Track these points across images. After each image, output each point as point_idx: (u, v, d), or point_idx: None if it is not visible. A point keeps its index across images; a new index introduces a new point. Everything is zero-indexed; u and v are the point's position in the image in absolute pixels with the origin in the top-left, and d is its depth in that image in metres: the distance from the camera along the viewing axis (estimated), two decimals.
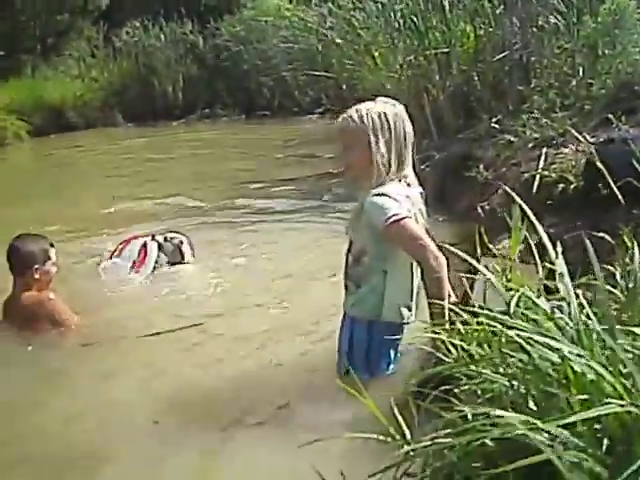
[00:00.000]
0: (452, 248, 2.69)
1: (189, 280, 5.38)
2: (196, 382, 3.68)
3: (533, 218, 2.03)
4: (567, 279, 1.80)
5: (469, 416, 1.60)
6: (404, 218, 3.22)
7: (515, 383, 1.64)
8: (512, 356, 1.66)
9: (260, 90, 15.54)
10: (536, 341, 1.55)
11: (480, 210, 5.51)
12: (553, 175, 4.90)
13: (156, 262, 5.48)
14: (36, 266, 4.23)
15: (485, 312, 1.96)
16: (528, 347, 1.58)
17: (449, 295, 3.17)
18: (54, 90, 15.64)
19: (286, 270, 5.28)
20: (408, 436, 1.74)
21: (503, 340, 1.83)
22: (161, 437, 3.15)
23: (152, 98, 16.32)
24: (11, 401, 3.59)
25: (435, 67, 7.30)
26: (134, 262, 5.41)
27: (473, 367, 1.78)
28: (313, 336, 4.02)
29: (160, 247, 5.57)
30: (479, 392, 1.77)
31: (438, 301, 3.07)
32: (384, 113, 3.32)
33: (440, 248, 3.45)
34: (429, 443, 1.56)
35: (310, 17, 14.03)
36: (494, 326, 1.85)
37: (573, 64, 6.86)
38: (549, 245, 1.88)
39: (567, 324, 1.69)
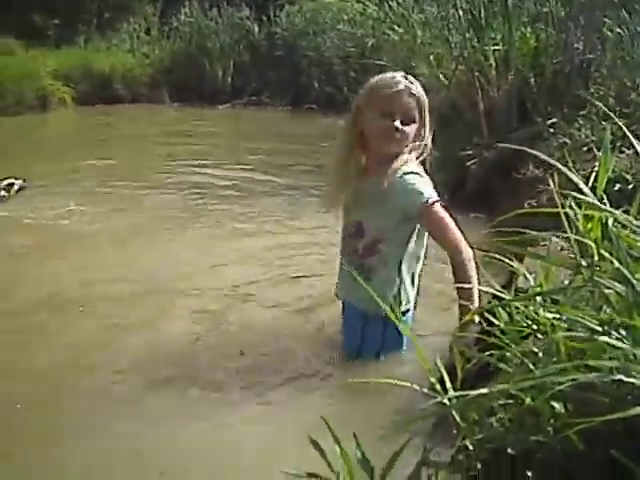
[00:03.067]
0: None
1: None
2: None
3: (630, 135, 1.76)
4: None
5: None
6: (439, 201, 3.07)
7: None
8: (608, 287, 1.30)
9: (310, 83, 15.30)
10: None
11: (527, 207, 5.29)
12: (609, 174, 4.67)
13: None
14: None
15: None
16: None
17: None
18: (104, 61, 15.47)
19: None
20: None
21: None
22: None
23: (201, 80, 16.09)
24: None
25: (493, 64, 7.05)
26: None
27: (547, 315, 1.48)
28: None
29: None
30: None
31: (467, 298, 2.87)
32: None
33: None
34: (476, 393, 1.30)
35: (370, 13, 13.93)
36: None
37: (634, 76, 6.63)
38: None
39: None
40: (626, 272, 1.23)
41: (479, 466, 1.29)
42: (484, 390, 1.21)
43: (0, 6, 15.02)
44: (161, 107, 15.15)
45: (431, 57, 8.14)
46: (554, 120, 6.47)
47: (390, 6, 12.07)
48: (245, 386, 3.08)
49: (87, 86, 14.83)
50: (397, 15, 11.36)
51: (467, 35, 7.28)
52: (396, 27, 11.15)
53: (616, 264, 1.28)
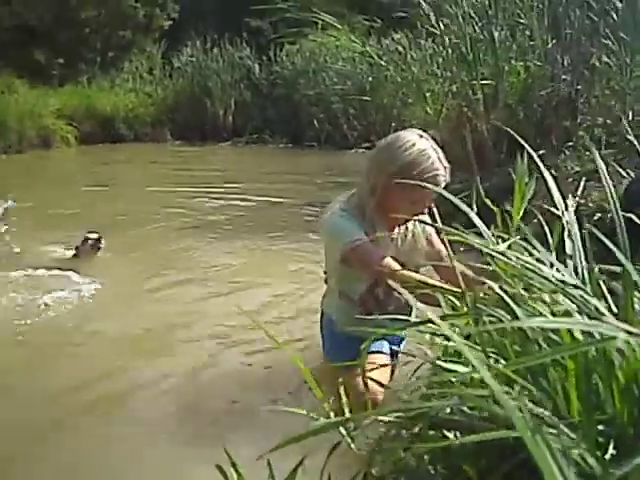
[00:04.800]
0: None
1: None
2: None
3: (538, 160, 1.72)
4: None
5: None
6: None
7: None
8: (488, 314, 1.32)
9: (310, 121, 15.41)
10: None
11: None
12: (591, 205, 4.69)
13: None
14: None
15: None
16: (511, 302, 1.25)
17: None
18: (107, 101, 15.77)
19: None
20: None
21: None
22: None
23: (203, 119, 16.34)
24: None
25: (481, 99, 7.07)
26: None
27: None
28: None
29: None
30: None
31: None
32: None
33: None
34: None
35: (368, 51, 14.03)
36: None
37: (624, 104, 6.64)
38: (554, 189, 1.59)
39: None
40: (509, 299, 1.22)
41: None
42: (360, 416, 1.20)
43: (3, 44, 15.26)
44: (164, 146, 15.29)
45: (427, 93, 8.17)
46: (542, 152, 6.48)
47: (387, 44, 12.17)
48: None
49: (90, 126, 15.07)
50: (394, 52, 11.43)
51: (455, 70, 7.30)
52: (393, 65, 11.21)
53: (498, 291, 1.28)
